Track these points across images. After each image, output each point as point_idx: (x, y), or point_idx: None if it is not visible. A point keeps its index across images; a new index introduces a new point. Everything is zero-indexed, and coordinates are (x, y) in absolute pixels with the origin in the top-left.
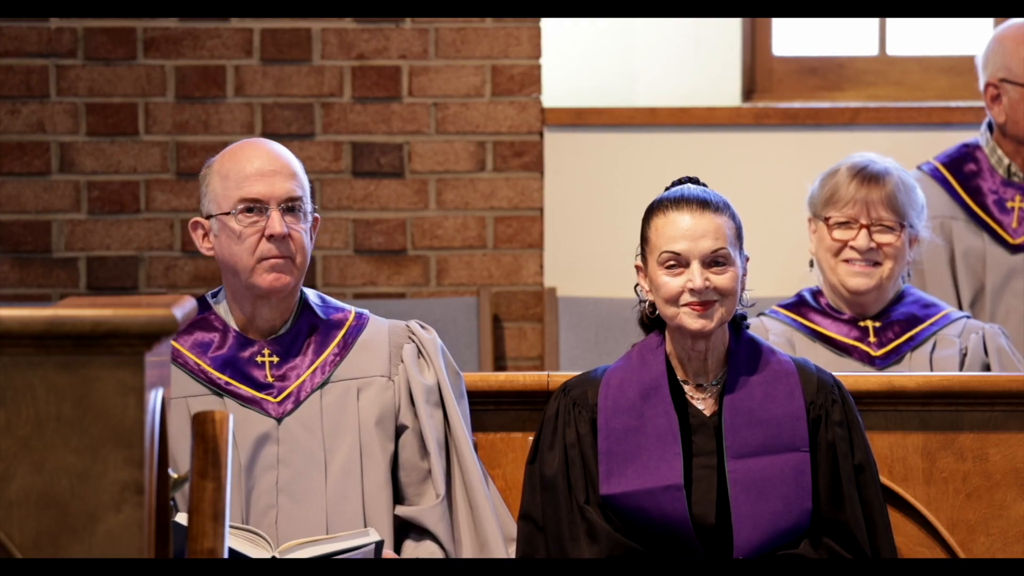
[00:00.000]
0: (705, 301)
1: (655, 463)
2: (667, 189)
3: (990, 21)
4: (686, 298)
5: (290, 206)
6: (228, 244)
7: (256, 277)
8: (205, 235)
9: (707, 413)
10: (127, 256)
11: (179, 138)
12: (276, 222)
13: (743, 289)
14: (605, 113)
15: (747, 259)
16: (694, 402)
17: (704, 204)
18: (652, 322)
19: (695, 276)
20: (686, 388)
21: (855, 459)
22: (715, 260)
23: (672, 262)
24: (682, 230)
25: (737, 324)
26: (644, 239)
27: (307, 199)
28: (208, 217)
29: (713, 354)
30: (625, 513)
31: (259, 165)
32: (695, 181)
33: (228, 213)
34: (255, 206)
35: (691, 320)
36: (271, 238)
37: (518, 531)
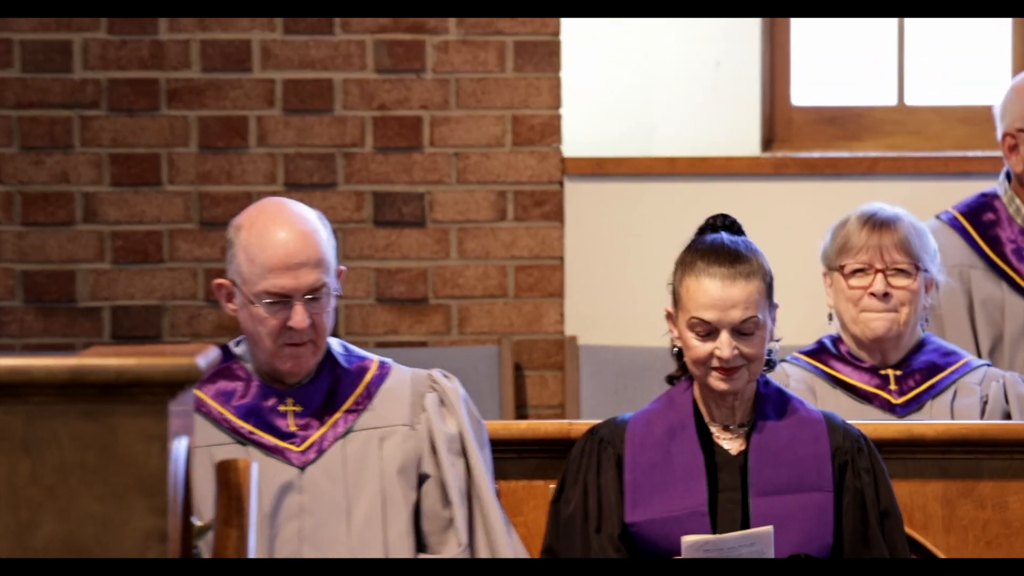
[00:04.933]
0: (732, 368)
1: (680, 493)
2: (700, 232)
3: (1008, 71)
4: (714, 363)
5: (314, 296)
6: (251, 323)
7: (276, 360)
8: (230, 297)
9: (733, 452)
10: (151, 305)
11: (202, 188)
12: (299, 316)
13: (771, 340)
14: (625, 163)
15: (776, 308)
16: (720, 441)
17: (735, 268)
18: (683, 366)
19: (724, 347)
20: (712, 428)
21: (881, 505)
22: (744, 329)
23: (702, 329)
24: (713, 299)
25: (767, 366)
26: (675, 293)
27: (332, 273)
28: (233, 283)
29: (740, 399)
30: (649, 541)
31: (284, 255)
32: (729, 221)
33: (252, 302)
34: (279, 299)
35: (718, 383)
36: (293, 330)
37: None
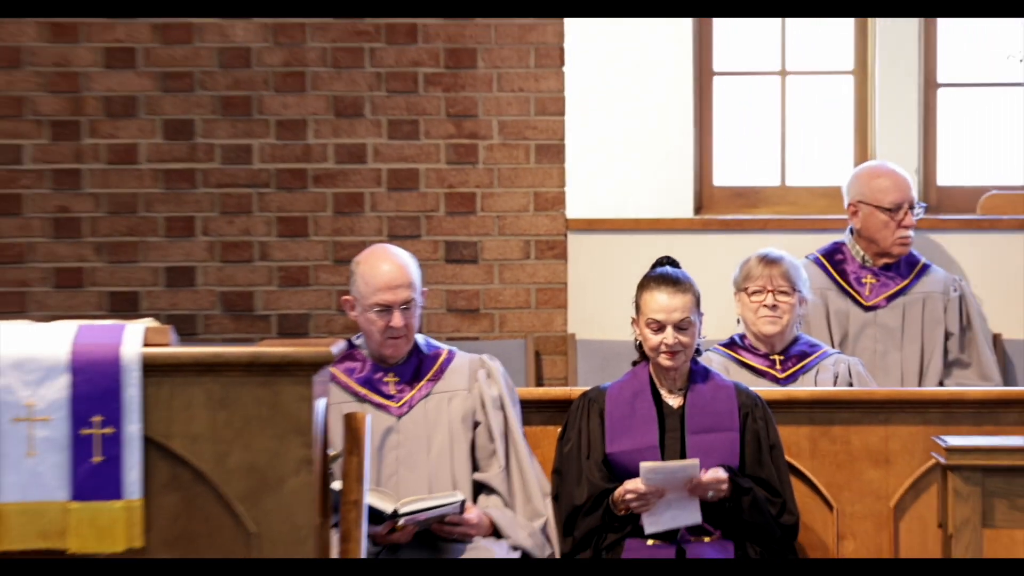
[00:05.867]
0: (674, 351)
1: (640, 434)
2: (653, 266)
3: (851, 163)
4: (663, 348)
5: (407, 307)
6: (366, 324)
7: (382, 348)
8: (352, 308)
9: (675, 406)
10: (302, 313)
11: (335, 238)
12: (397, 319)
13: (699, 336)
14: (607, 222)
15: (702, 315)
16: (667, 400)
17: (676, 287)
18: (642, 354)
19: (668, 337)
20: (662, 392)
21: (770, 440)
22: (681, 325)
23: (654, 326)
24: (661, 305)
25: (696, 353)
26: (637, 304)
27: (418, 292)
28: (354, 298)
29: (679, 372)
30: (621, 465)
31: (387, 279)
32: (671, 260)
33: (366, 311)
34: (384, 308)
35: (665, 361)
36: (392, 328)
37: (552, 482)
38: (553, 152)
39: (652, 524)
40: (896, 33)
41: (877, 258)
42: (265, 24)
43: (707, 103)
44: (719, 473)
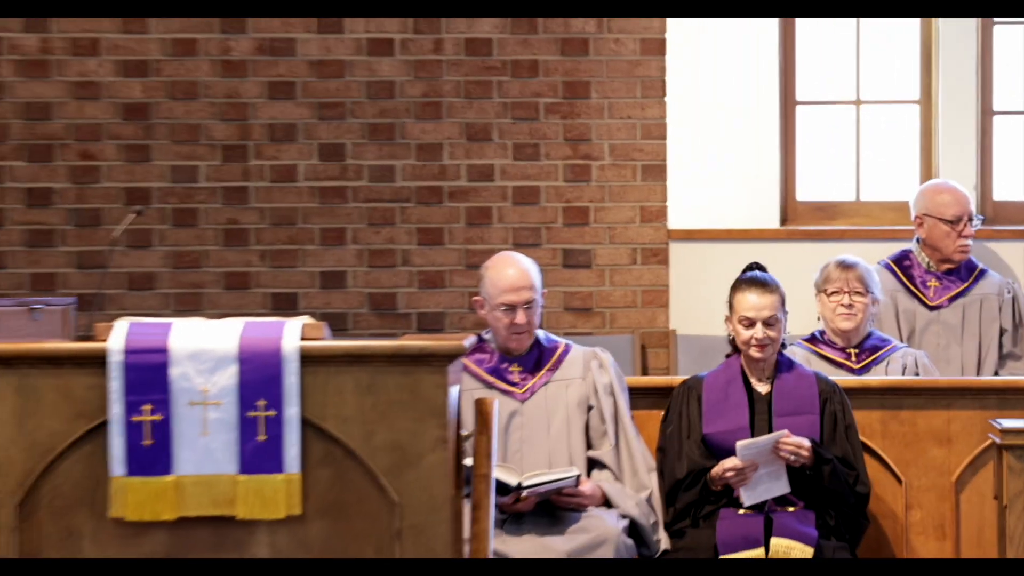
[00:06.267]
0: (763, 344)
1: (733, 417)
2: (744, 271)
3: (917, 180)
4: (753, 342)
5: (528, 306)
6: (493, 321)
7: (507, 342)
8: (481, 307)
9: (763, 393)
10: (439, 312)
11: (467, 246)
12: (520, 317)
13: (785, 331)
14: (704, 232)
15: (787, 313)
16: (756, 387)
17: (764, 288)
18: (734, 347)
19: (758, 332)
20: (752, 380)
21: (846, 422)
22: (769, 322)
23: (745, 322)
24: (751, 304)
25: (782, 346)
26: (730, 304)
27: (539, 293)
28: (483, 299)
29: (767, 363)
30: (716, 444)
31: (512, 281)
32: (760, 265)
33: (494, 310)
34: (509, 307)
35: (755, 353)
36: (516, 324)
37: (657, 459)
38: (656, 171)
39: (748, 497)
40: (956, 67)
41: (940, 264)
42: (407, 60)
43: (791, 128)
44: (804, 441)
